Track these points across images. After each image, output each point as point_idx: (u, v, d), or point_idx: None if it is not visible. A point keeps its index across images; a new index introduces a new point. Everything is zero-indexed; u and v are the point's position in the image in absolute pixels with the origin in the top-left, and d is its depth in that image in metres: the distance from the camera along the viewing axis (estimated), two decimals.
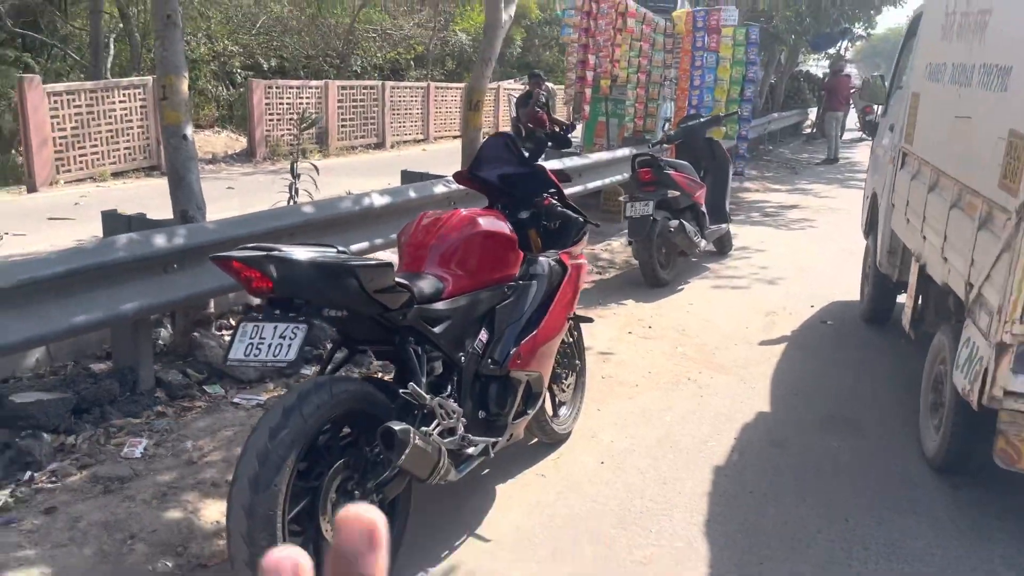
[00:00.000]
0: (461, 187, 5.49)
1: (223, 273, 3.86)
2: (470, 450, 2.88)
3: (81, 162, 11.17)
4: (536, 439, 3.76)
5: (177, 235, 3.87)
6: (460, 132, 8.52)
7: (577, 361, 3.98)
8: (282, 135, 14.37)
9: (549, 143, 9.44)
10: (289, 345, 2.35)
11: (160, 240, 3.76)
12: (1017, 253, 2.81)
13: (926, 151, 4.27)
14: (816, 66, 30.00)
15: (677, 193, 6.62)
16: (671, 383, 4.71)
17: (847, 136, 18.69)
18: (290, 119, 14.30)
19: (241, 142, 15.08)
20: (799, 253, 8.15)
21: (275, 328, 2.39)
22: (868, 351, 5.41)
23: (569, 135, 9.91)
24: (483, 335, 3.08)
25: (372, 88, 16.84)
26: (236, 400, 4.01)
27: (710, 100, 10.13)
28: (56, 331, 3.41)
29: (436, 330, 2.82)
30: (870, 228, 5.91)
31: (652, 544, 3.09)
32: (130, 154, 11.93)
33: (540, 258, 3.43)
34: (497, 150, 3.63)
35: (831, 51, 22.15)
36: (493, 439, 3.02)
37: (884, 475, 3.71)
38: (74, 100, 11.02)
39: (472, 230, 3.07)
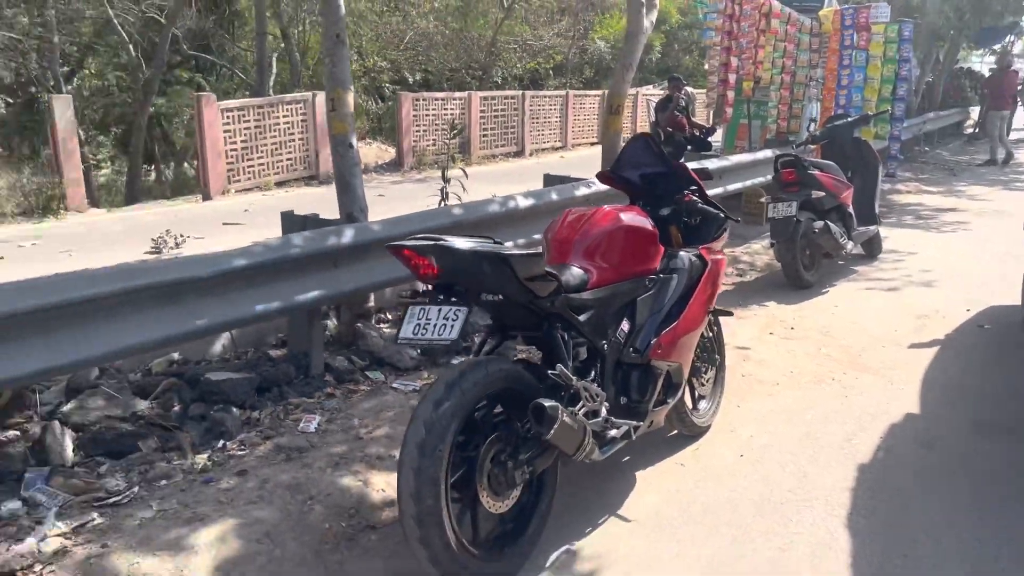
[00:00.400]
0: (601, 189, 5.67)
1: (384, 269, 4.26)
2: (613, 432, 3.04)
3: (249, 172, 12.17)
4: (676, 431, 3.88)
5: (346, 234, 4.25)
6: (600, 136, 8.70)
7: (717, 356, 4.06)
8: (428, 145, 15.04)
9: (688, 147, 9.51)
10: (452, 326, 2.61)
11: (332, 238, 4.15)
12: None
13: None
14: (981, 63, 28.03)
15: (822, 194, 6.51)
16: (813, 382, 4.69)
17: (1014, 136, 17.46)
18: (436, 130, 14.97)
19: (390, 152, 15.89)
20: (954, 256, 7.79)
21: (439, 311, 2.65)
22: None
23: (708, 138, 9.92)
24: (625, 325, 3.24)
25: (513, 98, 17.32)
26: (395, 385, 4.36)
27: (859, 99, 9.82)
28: (243, 317, 3.84)
29: (581, 318, 3.01)
30: None
31: (792, 533, 3.15)
32: (291, 165, 12.87)
33: (680, 253, 3.56)
34: (638, 151, 3.77)
35: (996, 47, 20.72)
36: (635, 423, 3.17)
37: None
38: (244, 116, 12.01)
39: (615, 225, 3.24)
